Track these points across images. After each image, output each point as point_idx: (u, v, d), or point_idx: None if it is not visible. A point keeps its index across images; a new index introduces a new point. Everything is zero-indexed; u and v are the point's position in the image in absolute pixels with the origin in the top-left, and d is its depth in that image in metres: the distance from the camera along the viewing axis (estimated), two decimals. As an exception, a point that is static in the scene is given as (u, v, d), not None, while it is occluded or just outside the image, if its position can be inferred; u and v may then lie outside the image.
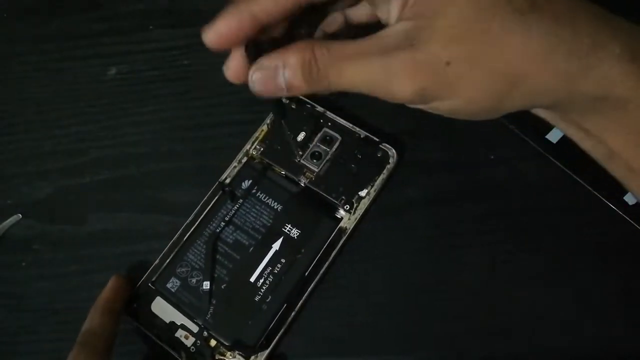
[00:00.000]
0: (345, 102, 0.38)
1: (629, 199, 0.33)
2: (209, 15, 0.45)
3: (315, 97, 0.38)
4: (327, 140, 0.36)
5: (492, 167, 0.36)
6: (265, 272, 0.33)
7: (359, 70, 0.22)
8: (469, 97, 0.22)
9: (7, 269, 0.36)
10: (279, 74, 0.23)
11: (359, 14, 0.27)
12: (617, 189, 0.34)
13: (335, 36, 0.27)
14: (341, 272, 0.34)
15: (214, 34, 0.24)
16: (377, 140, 0.36)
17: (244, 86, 0.40)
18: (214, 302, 0.33)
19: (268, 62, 0.23)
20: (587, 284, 0.32)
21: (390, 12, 0.23)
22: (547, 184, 0.35)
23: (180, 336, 0.32)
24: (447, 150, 0.37)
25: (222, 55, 0.42)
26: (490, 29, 0.21)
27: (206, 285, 0.33)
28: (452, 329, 0.32)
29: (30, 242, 0.37)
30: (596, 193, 0.34)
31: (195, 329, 0.32)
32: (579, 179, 0.34)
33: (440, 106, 0.23)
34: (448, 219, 0.35)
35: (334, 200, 0.35)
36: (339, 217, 0.35)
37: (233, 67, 0.25)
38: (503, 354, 0.32)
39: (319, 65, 0.22)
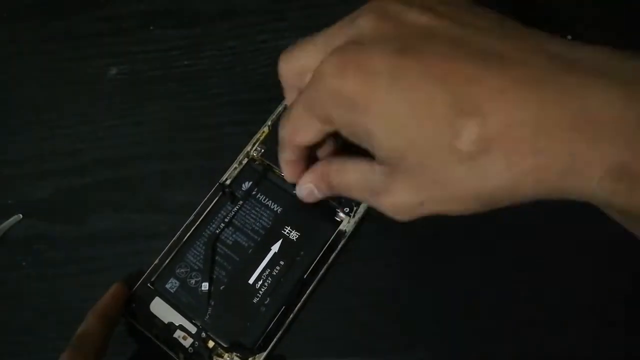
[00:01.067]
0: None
1: (629, 199, 0.33)
2: (209, 15, 0.45)
3: None
4: None
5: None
6: (264, 274, 0.33)
7: (357, 196, 0.27)
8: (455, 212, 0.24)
9: (7, 269, 0.36)
10: (314, 192, 0.28)
11: None
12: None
13: None
14: (340, 272, 0.34)
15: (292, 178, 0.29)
16: None
17: (244, 87, 0.41)
18: (212, 303, 0.33)
19: (305, 185, 0.29)
20: (587, 284, 0.32)
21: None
22: (547, 184, 0.35)
23: (179, 337, 0.32)
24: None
25: (221, 56, 0.42)
26: (442, 177, 0.22)
27: (205, 286, 0.33)
28: (452, 328, 0.32)
29: (30, 242, 0.37)
30: (596, 193, 0.34)
31: (193, 329, 0.32)
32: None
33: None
34: (448, 219, 0.35)
35: (333, 203, 0.34)
36: (338, 220, 0.34)
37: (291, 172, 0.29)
38: (503, 354, 0.32)
39: (332, 184, 0.27)
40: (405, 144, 0.22)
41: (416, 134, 0.22)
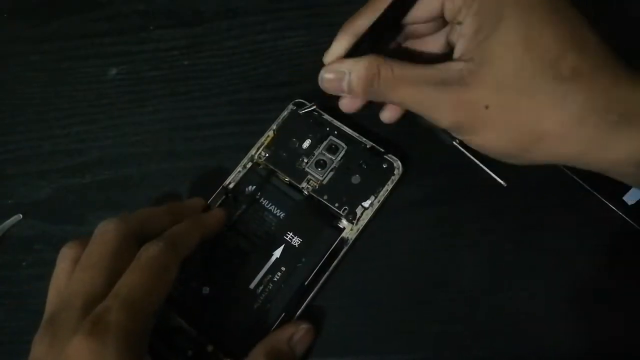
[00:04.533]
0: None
1: (629, 199, 0.33)
2: (209, 15, 0.45)
3: (323, 105, 0.37)
4: (333, 149, 0.36)
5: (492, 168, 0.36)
6: (265, 279, 0.33)
7: (413, 94, 0.26)
8: (496, 139, 0.26)
9: (8, 269, 0.36)
10: (345, 79, 0.27)
11: (434, 43, 0.31)
12: (617, 189, 0.34)
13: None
14: (341, 272, 0.34)
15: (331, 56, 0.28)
16: (383, 150, 0.35)
17: (244, 86, 0.41)
18: (212, 307, 0.33)
19: (339, 67, 0.27)
20: (587, 284, 0.32)
21: (457, 47, 0.26)
22: (547, 184, 0.35)
23: (178, 341, 0.32)
24: (447, 151, 0.36)
25: (221, 56, 0.42)
26: (529, 88, 0.24)
27: (205, 290, 0.33)
28: (452, 329, 0.32)
29: (30, 242, 0.37)
30: (596, 193, 0.34)
31: (193, 333, 0.32)
32: (578, 179, 0.34)
33: (471, 140, 0.27)
34: (448, 219, 0.35)
35: (336, 210, 0.34)
36: (341, 227, 0.34)
37: (332, 55, 0.28)
38: (503, 354, 0.32)
39: (380, 83, 0.26)
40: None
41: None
